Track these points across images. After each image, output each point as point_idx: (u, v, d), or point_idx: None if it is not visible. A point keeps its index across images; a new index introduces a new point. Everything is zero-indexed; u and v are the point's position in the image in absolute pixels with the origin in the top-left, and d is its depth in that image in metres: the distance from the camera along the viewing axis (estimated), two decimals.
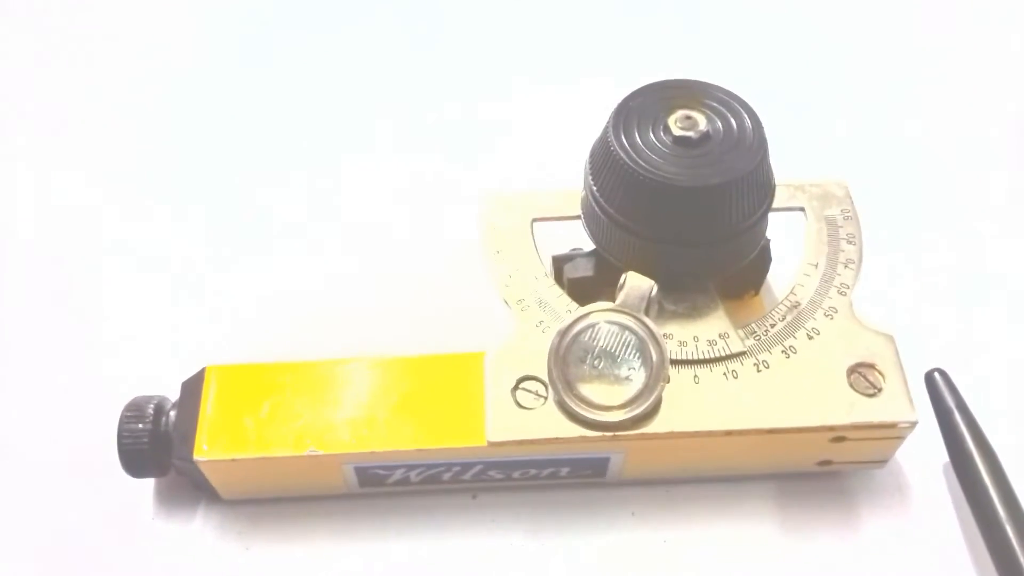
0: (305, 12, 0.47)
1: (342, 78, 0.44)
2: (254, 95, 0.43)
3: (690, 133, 0.27)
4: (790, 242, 0.31)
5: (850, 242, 0.30)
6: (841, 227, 0.31)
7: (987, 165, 0.40)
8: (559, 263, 0.31)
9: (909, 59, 0.44)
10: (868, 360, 0.28)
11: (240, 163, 0.40)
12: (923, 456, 0.30)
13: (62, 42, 0.46)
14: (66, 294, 0.36)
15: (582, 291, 0.30)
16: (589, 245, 0.31)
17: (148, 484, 0.30)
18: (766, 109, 0.28)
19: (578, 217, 0.31)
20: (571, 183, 0.31)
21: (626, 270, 0.28)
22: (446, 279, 0.34)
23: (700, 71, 0.30)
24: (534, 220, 0.31)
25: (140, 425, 0.28)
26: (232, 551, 0.29)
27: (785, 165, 0.29)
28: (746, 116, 0.28)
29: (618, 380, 0.27)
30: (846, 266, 0.30)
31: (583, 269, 0.31)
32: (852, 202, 0.31)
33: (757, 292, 0.32)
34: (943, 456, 0.29)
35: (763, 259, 0.31)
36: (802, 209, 0.31)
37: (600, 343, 0.27)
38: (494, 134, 0.41)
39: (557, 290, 0.29)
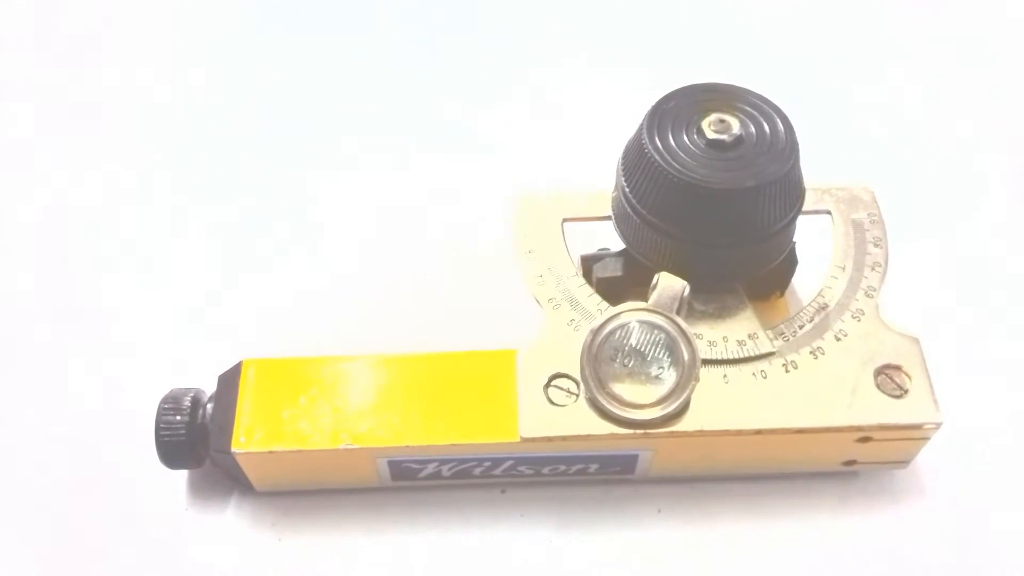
0: (324, 14, 0.47)
1: (372, 76, 0.44)
2: (288, 90, 0.44)
3: (723, 136, 0.28)
4: (814, 244, 0.31)
5: (877, 245, 0.31)
6: (868, 231, 0.31)
7: (1015, 170, 0.40)
8: (588, 263, 0.32)
9: (938, 63, 0.44)
10: (894, 362, 0.28)
11: (276, 158, 0.41)
12: (943, 457, 0.31)
13: (71, 42, 0.46)
14: (105, 288, 0.36)
15: (611, 290, 0.30)
16: (616, 244, 0.31)
17: (182, 475, 0.31)
18: (794, 112, 0.29)
19: (608, 218, 0.31)
20: (600, 184, 0.31)
21: (657, 271, 0.29)
22: (479, 277, 0.35)
23: (732, 74, 0.30)
24: (564, 220, 0.32)
25: (177, 417, 0.29)
26: (265, 541, 0.30)
27: (812, 168, 0.30)
28: (778, 120, 0.28)
29: (649, 379, 0.27)
30: (873, 269, 0.30)
31: (612, 269, 0.31)
32: (878, 206, 0.32)
33: (782, 293, 0.33)
34: (962, 457, 0.30)
35: (790, 261, 0.31)
36: (829, 212, 0.32)
37: (631, 342, 0.28)
38: (527, 134, 0.41)
39: (588, 289, 0.30)
